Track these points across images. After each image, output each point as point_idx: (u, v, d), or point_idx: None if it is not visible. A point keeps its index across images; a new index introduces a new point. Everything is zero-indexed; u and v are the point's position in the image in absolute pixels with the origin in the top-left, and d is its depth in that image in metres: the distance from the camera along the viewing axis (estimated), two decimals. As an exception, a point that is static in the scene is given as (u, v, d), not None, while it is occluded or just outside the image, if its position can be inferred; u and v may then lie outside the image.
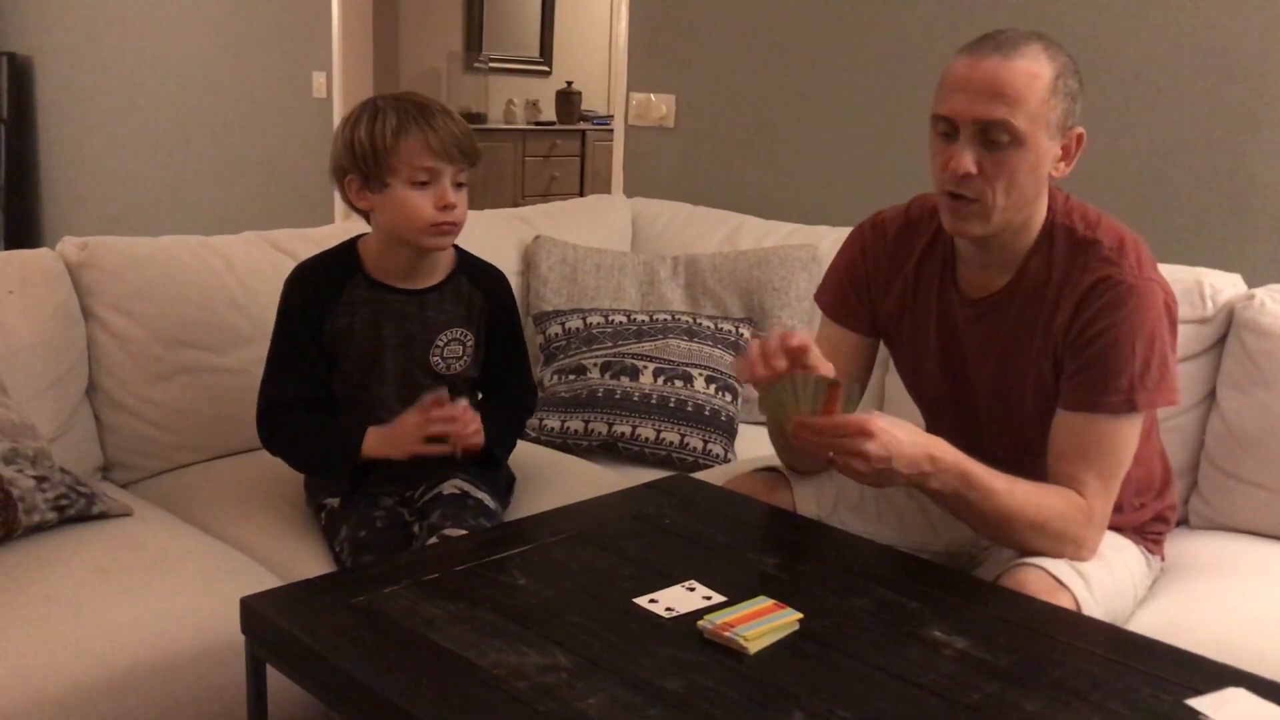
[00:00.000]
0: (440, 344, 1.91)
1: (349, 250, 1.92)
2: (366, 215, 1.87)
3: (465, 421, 1.78)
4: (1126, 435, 1.56)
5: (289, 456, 1.92)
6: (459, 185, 1.83)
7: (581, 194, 6.58)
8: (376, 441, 1.82)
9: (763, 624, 1.28)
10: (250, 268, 2.28)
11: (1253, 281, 2.18)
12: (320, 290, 1.88)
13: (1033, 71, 1.50)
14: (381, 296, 1.89)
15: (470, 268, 1.97)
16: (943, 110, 1.54)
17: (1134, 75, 2.54)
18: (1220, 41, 2.42)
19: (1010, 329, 1.63)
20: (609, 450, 2.41)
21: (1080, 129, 1.57)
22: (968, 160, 1.51)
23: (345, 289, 1.88)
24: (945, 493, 1.51)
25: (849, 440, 1.41)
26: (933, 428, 1.85)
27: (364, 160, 1.78)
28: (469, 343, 1.94)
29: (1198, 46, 2.45)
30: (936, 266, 1.71)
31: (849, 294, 1.79)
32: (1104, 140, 2.59)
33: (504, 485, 2.01)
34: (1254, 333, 2.04)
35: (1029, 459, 1.61)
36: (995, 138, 1.50)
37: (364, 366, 1.90)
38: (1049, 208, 1.62)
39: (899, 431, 1.44)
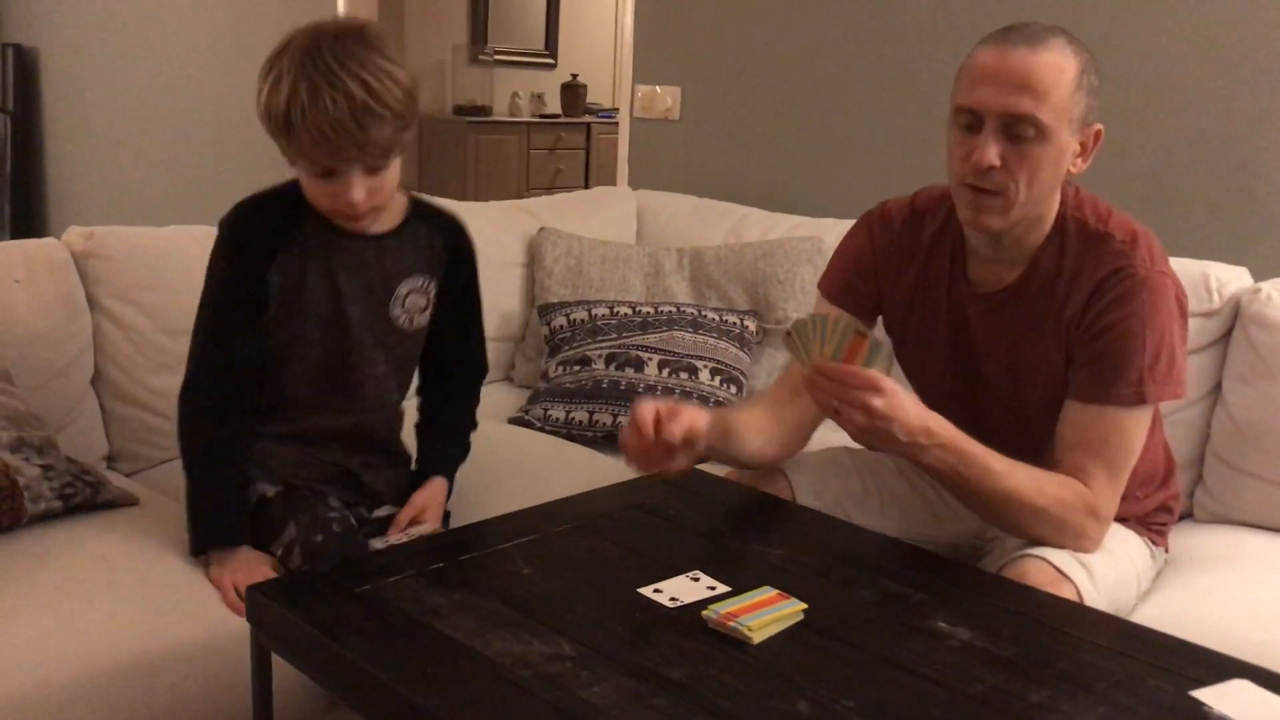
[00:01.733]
0: (401, 294, 1.75)
1: (294, 190, 1.68)
2: None
3: None
4: (1135, 428, 1.56)
5: (188, 472, 1.73)
6: (375, 171, 1.60)
7: (586, 186, 6.58)
8: (219, 565, 1.65)
9: (767, 614, 1.28)
10: (255, 258, 2.28)
11: (1259, 275, 2.18)
12: (269, 230, 1.67)
13: (1060, 65, 1.49)
14: (336, 241, 1.69)
15: (426, 211, 1.80)
16: (968, 101, 1.52)
17: (1141, 69, 2.54)
18: (1229, 35, 2.41)
19: (1022, 322, 1.63)
20: (614, 441, 2.41)
21: (1099, 126, 1.57)
22: (992, 153, 1.49)
23: (295, 230, 1.67)
24: (941, 469, 1.50)
25: (856, 392, 1.41)
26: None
27: (270, 129, 1.58)
28: (431, 292, 1.79)
29: (1206, 40, 2.44)
30: (945, 260, 1.70)
31: (854, 278, 1.78)
32: (1111, 134, 2.57)
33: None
34: (1260, 326, 2.04)
35: (1035, 453, 1.61)
36: (1020, 131, 1.49)
37: (328, 324, 1.72)
38: (1060, 201, 1.61)
39: (906, 399, 1.44)
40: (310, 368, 1.75)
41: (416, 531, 1.73)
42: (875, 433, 1.44)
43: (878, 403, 1.40)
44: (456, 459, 1.90)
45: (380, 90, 1.56)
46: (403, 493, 1.83)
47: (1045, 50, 1.49)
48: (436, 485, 1.81)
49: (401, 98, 1.58)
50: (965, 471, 1.50)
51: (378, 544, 1.69)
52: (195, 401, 1.71)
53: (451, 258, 1.82)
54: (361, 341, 1.75)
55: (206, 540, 1.69)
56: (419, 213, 1.79)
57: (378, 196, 1.63)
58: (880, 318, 1.80)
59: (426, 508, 1.78)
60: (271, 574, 1.62)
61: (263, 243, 1.67)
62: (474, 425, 1.95)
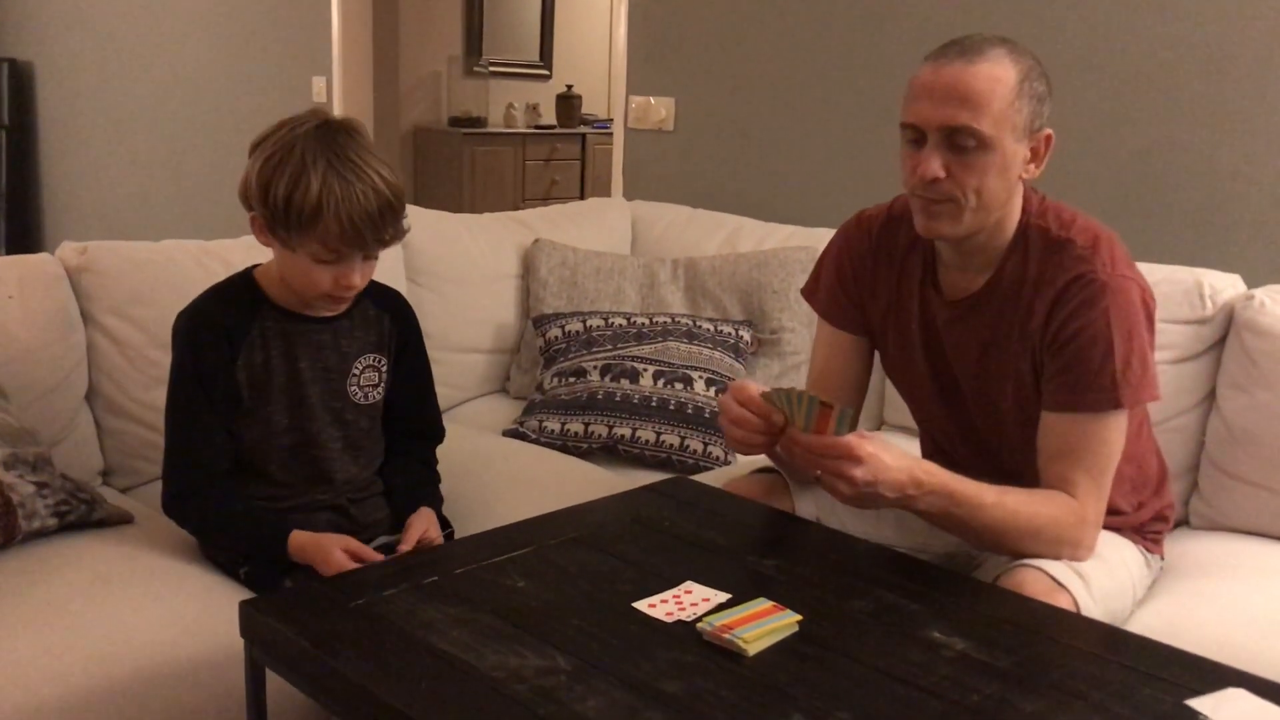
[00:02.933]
0: (356, 372, 1.82)
1: (247, 281, 1.79)
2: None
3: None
4: (1112, 432, 1.56)
5: (207, 540, 1.82)
6: (368, 258, 1.70)
7: (582, 197, 6.58)
8: (301, 551, 1.69)
9: (762, 626, 1.28)
10: (250, 272, 2.28)
11: (1252, 282, 2.19)
12: (228, 325, 1.73)
13: (996, 75, 1.50)
14: (294, 326, 1.77)
15: (374, 291, 1.85)
16: (908, 118, 1.55)
17: (1133, 76, 2.55)
18: (1219, 41, 2.42)
19: (988, 330, 1.64)
20: (609, 452, 2.41)
21: (1049, 131, 1.58)
22: (935, 165, 1.52)
23: (255, 320, 1.75)
24: (934, 514, 1.52)
25: (836, 462, 1.42)
26: (925, 426, 1.85)
27: (274, 215, 1.63)
28: (383, 369, 1.86)
29: (1196, 47, 2.45)
30: (918, 267, 1.72)
31: (839, 295, 1.80)
32: (1103, 141, 2.59)
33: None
34: (1254, 333, 2.04)
35: (1018, 453, 1.61)
36: (961, 142, 1.51)
37: (293, 406, 1.78)
38: (1024, 209, 1.62)
39: (886, 456, 1.44)
40: (284, 456, 1.80)
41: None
42: (863, 497, 1.45)
43: (858, 472, 1.41)
44: (437, 496, 1.91)
45: (397, 186, 1.67)
46: (394, 521, 1.84)
47: (983, 61, 1.51)
48: (426, 512, 1.82)
49: (403, 194, 1.70)
50: (957, 511, 1.51)
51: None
52: (174, 497, 1.78)
53: (401, 334, 1.89)
54: (321, 420, 1.80)
55: (265, 562, 1.73)
56: (367, 292, 1.83)
57: (368, 280, 1.74)
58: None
59: (427, 529, 1.78)
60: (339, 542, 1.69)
61: (225, 336, 1.73)
62: (438, 479, 1.96)
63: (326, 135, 1.64)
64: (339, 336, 1.81)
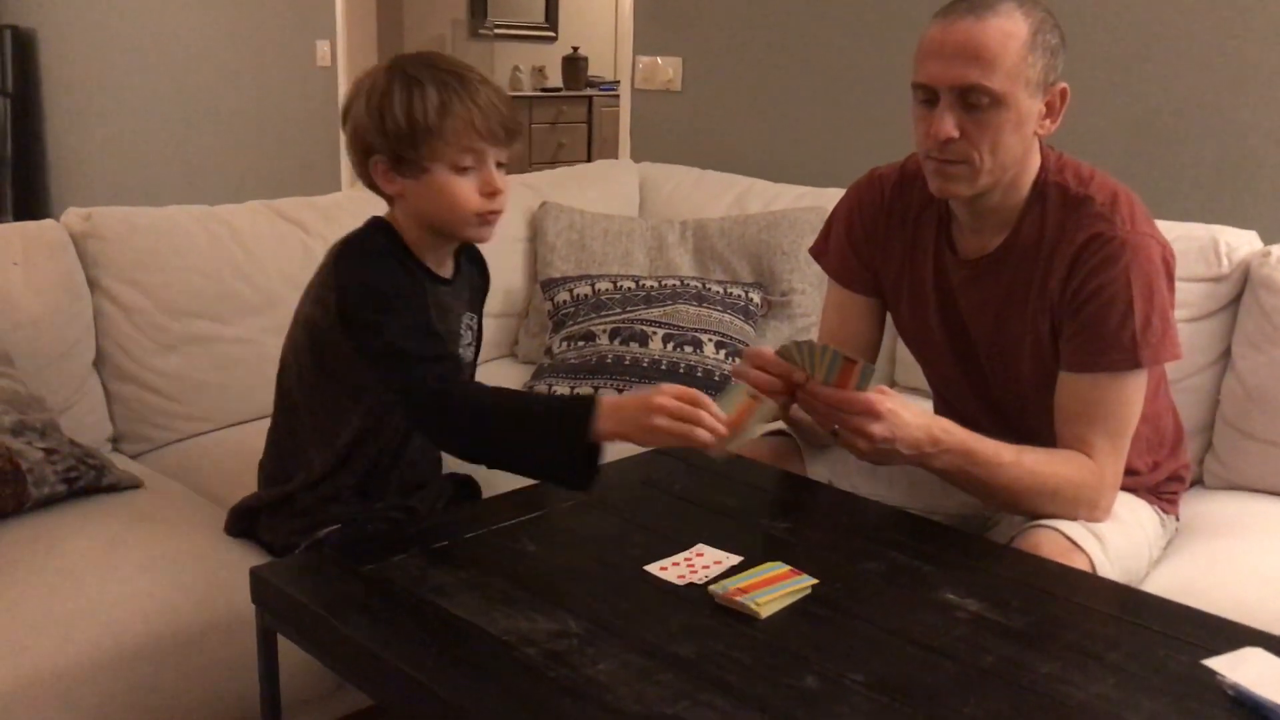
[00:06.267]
0: (461, 332, 1.72)
1: (395, 238, 1.62)
2: (390, 198, 1.62)
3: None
4: (1132, 393, 1.54)
5: (496, 446, 1.50)
6: (499, 165, 1.59)
7: (589, 160, 6.54)
8: (613, 417, 1.40)
9: (775, 589, 1.27)
10: (255, 236, 2.27)
11: (1269, 238, 2.16)
12: (417, 288, 1.60)
13: (1007, 30, 1.47)
14: (441, 290, 1.65)
15: (465, 247, 1.75)
16: (920, 78, 1.52)
17: (1148, 31, 2.51)
18: (1236, -6, 2.38)
19: (1005, 290, 1.62)
20: (619, 416, 2.40)
21: (1064, 84, 1.55)
22: (948, 125, 1.49)
23: (426, 287, 1.62)
24: (951, 472, 1.51)
25: (855, 418, 1.41)
26: (939, 389, 1.84)
27: (398, 141, 1.54)
28: (475, 326, 1.77)
29: (1212, 1, 2.41)
30: (932, 227, 1.69)
31: (850, 257, 1.78)
32: (1118, 98, 2.55)
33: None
34: (1270, 290, 2.02)
35: (1035, 416, 1.60)
36: (974, 101, 1.48)
37: None
38: (1041, 166, 1.59)
39: (905, 414, 1.43)
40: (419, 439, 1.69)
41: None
42: (879, 453, 1.44)
43: (877, 429, 1.41)
44: None
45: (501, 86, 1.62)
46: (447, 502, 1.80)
47: (993, 16, 1.48)
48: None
49: None
50: (974, 470, 1.50)
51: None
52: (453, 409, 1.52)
53: (484, 288, 1.83)
54: None
55: (585, 441, 1.42)
56: (461, 247, 1.73)
57: (506, 196, 1.60)
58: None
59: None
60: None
61: (419, 296, 1.59)
62: None
63: (416, 58, 1.59)
64: (455, 298, 1.70)
